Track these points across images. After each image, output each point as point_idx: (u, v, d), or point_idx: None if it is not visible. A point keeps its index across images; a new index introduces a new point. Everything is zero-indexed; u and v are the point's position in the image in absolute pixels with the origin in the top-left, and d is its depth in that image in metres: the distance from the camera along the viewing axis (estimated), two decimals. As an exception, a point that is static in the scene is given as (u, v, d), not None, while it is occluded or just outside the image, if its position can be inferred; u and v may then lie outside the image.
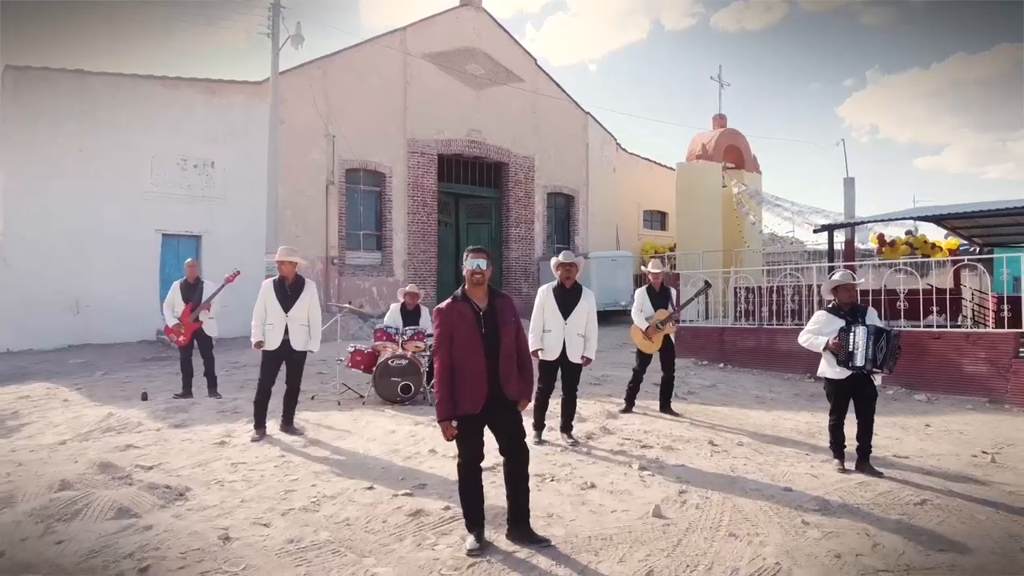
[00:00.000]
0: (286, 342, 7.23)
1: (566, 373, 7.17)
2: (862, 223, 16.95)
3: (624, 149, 25.49)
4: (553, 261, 7.45)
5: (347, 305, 11.35)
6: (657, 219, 26.99)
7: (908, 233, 20.44)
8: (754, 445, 7.23)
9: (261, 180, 16.93)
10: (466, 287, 4.58)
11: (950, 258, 18.92)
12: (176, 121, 16.67)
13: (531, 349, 7.08)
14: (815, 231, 17.20)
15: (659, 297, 8.99)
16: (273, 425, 7.38)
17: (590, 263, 20.59)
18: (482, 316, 4.46)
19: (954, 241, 21.40)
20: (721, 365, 13.55)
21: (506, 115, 21.87)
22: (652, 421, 8.38)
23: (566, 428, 7.22)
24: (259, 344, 7.22)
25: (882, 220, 16.82)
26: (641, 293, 9.04)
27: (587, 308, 7.22)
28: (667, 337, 8.93)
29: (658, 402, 9.00)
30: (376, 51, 19.60)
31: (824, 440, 7.23)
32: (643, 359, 8.96)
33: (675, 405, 9.03)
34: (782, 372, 12.44)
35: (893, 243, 19.72)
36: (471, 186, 21.97)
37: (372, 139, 19.40)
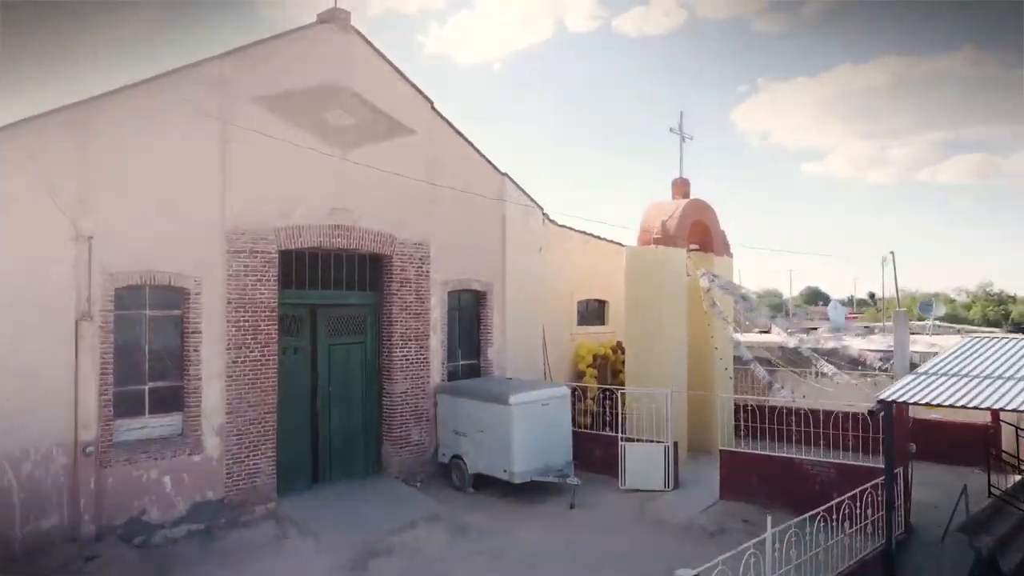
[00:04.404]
0: None
1: None
2: (931, 405, 10.88)
3: (553, 221, 18.90)
4: None
5: None
6: (594, 310, 20.58)
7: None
8: None
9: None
10: None
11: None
12: None
13: None
14: (870, 413, 11.11)
15: None
16: None
17: (511, 414, 13.94)
18: None
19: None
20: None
21: (388, 184, 14.83)
22: None
23: None
24: None
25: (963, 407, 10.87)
26: None
27: None
28: None
29: None
30: (173, 93, 12.17)
31: None
32: None
33: None
34: None
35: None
36: (335, 291, 14.81)
37: (164, 235, 12.01)
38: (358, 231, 14.55)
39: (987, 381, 11.06)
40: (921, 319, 41.87)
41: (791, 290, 78.80)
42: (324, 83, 14.02)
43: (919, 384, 11.25)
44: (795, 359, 18.05)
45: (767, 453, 13.55)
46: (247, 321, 12.93)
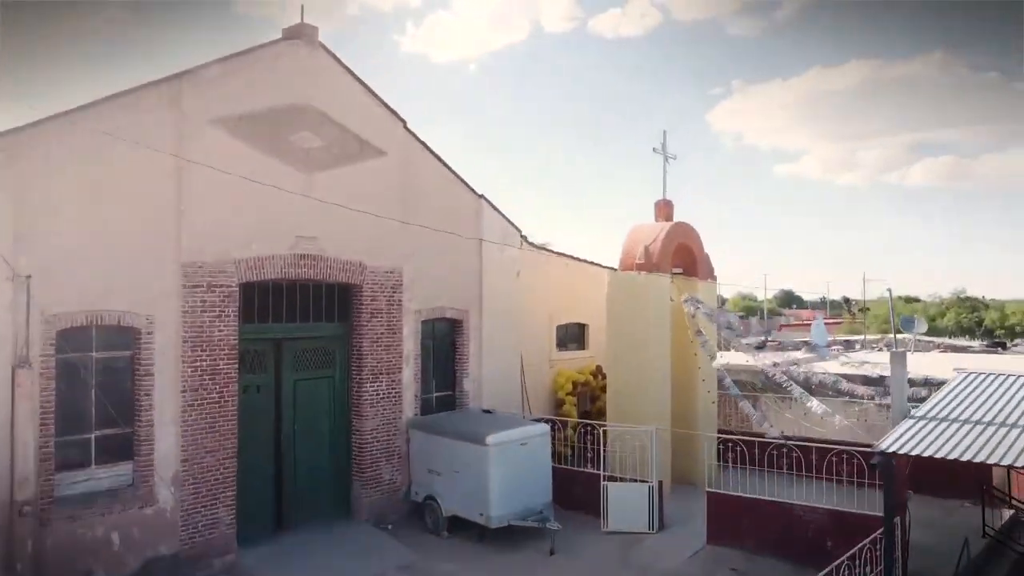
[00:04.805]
0: None
1: None
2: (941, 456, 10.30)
3: (531, 244, 18.18)
4: None
5: None
6: (574, 333, 19.87)
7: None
8: None
9: None
10: None
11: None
12: None
13: None
14: (872, 464, 10.52)
15: None
16: None
17: (488, 455, 13.19)
18: None
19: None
20: None
21: (358, 209, 14.00)
22: None
23: None
24: None
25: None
26: None
27: None
28: None
29: None
30: (122, 116, 11.26)
31: None
32: None
33: None
34: None
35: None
36: (301, 323, 13.95)
37: (113, 271, 11.10)
38: (325, 260, 13.71)
39: (989, 429, 10.52)
40: (899, 331, 41.75)
41: (765, 292, 78.59)
42: (289, 103, 13.17)
43: (918, 432, 10.68)
44: (779, 387, 17.50)
45: (755, 496, 12.93)
46: (205, 361, 12.04)
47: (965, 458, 9.69)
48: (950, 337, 52.13)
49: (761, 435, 13.96)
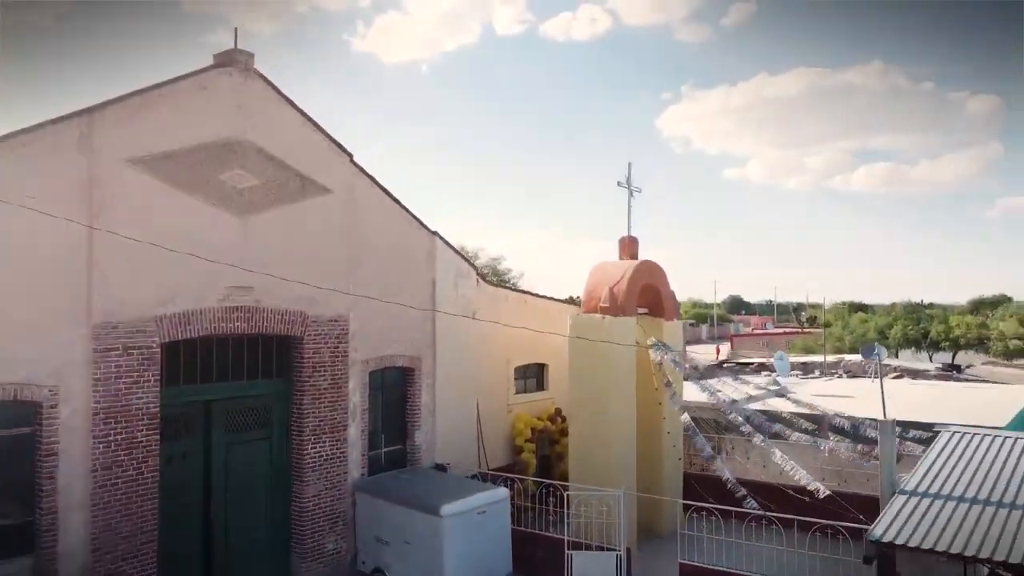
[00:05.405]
0: None
1: None
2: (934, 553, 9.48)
3: (488, 281, 17.00)
4: None
5: None
6: (532, 374, 18.72)
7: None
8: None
9: None
10: None
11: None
12: None
13: None
14: (866, 560, 9.65)
15: None
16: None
17: (442, 527, 12.00)
18: None
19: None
20: None
21: (299, 253, 12.71)
22: None
23: None
24: None
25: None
26: None
27: None
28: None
29: None
30: (17, 161, 9.76)
31: None
32: None
33: None
34: None
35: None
36: (234, 382, 12.53)
37: (7, 339, 9.59)
38: (262, 311, 12.34)
39: (988, 510, 9.80)
40: (853, 350, 41.81)
41: (716, 297, 79.05)
42: (220, 138, 11.78)
43: (911, 514, 9.88)
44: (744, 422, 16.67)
45: (733, 571, 11.99)
46: (120, 433, 10.58)
47: (969, 553, 8.91)
48: (898, 353, 52.75)
49: (738, 504, 13.02)
